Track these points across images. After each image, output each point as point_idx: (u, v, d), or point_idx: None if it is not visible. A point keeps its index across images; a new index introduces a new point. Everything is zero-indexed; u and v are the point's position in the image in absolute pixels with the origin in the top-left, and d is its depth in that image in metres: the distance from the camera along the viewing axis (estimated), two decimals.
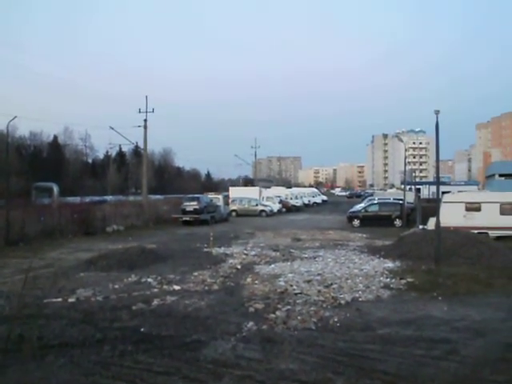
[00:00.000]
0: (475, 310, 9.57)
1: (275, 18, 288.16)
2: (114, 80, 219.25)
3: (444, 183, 52.62)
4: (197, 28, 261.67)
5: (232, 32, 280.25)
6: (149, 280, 13.01)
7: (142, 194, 41.45)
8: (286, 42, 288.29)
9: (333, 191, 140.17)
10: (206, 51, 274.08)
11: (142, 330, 8.36)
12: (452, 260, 14.95)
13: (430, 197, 48.71)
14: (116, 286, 12.25)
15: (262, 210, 44.35)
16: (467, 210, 22.17)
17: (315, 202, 66.47)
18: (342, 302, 10.42)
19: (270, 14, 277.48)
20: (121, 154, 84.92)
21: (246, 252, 18.59)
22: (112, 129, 36.66)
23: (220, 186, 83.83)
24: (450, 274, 13.05)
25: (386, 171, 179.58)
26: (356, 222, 32.14)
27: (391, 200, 36.65)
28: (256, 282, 12.72)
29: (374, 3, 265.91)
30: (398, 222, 31.41)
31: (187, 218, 33.96)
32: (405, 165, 38.69)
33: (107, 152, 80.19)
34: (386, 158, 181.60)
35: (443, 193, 24.71)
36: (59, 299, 10.80)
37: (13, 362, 6.70)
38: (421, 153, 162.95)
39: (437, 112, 15.23)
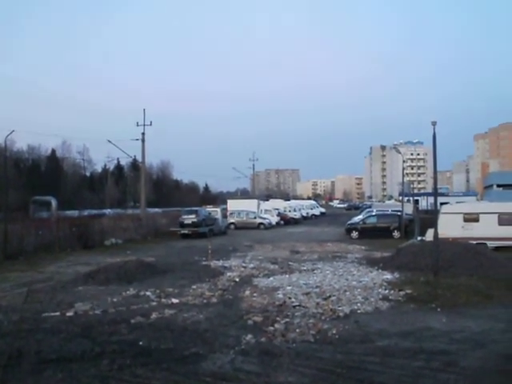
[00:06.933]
0: (474, 322, 9.55)
1: (271, 31, 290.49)
2: (111, 94, 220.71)
3: (442, 194, 52.80)
4: (195, 43, 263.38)
5: (230, 45, 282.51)
6: (147, 293, 12.98)
7: (140, 208, 41.47)
8: (284, 54, 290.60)
9: (331, 203, 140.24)
10: (205, 65, 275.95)
11: (141, 343, 8.33)
12: (451, 271, 14.93)
13: (429, 208, 48.82)
14: (114, 300, 12.21)
15: (261, 223, 44.31)
16: (465, 220, 22.19)
17: (314, 215, 66.50)
18: (341, 314, 10.39)
19: (266, 27, 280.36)
20: (119, 167, 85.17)
21: (244, 265, 18.58)
22: (110, 142, 36.76)
23: (218, 199, 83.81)
24: (448, 286, 13.04)
25: (384, 183, 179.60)
26: (354, 234, 32.15)
27: (389, 212, 36.77)
28: (254, 294, 12.69)
29: (372, 15, 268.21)
30: (396, 234, 31.41)
31: (185, 231, 33.97)
32: (403, 176, 38.85)
33: (105, 165, 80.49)
34: (384, 169, 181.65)
35: (441, 204, 24.78)
36: (57, 313, 10.75)
37: (12, 377, 6.67)
38: (419, 164, 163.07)
39: (434, 123, 15.32)
